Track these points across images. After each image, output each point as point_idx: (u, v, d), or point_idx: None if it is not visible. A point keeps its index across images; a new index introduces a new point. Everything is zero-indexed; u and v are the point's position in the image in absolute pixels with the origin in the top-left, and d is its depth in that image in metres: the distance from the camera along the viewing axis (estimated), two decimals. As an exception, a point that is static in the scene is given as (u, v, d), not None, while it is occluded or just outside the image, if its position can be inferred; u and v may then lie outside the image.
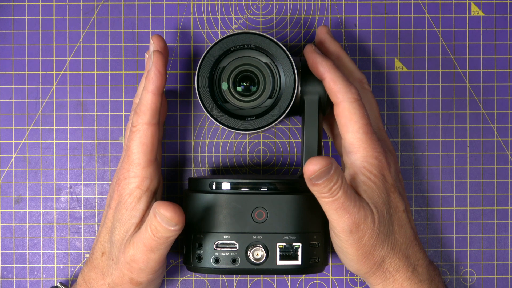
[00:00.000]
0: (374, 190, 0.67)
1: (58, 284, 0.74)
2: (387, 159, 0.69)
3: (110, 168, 0.77)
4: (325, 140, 0.77)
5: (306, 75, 0.70)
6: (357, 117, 0.68)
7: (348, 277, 0.77)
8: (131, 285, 0.68)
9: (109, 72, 0.77)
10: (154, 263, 0.67)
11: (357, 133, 0.68)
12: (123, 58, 0.77)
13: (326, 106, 0.71)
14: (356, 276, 0.77)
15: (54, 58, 0.77)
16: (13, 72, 0.77)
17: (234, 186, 0.68)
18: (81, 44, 0.77)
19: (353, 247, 0.66)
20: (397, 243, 0.68)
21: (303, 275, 0.77)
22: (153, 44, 0.70)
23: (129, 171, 0.68)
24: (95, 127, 0.77)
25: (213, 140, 0.77)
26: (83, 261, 0.77)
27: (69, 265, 0.76)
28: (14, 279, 0.77)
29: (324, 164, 0.63)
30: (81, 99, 0.77)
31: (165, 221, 0.64)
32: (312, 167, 0.63)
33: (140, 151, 0.67)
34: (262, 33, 0.69)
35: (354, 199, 0.65)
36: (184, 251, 0.70)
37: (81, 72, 0.77)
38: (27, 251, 0.77)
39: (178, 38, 0.77)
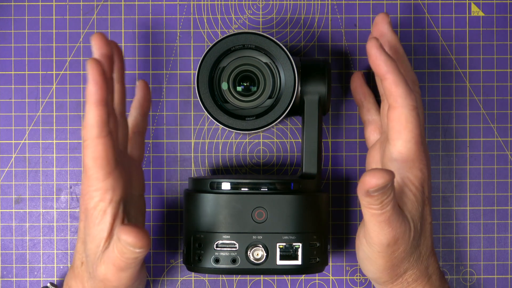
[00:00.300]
0: (413, 203, 0.66)
1: (48, 285, 0.74)
2: (428, 171, 0.67)
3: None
4: (325, 140, 0.77)
5: (306, 75, 0.70)
6: (413, 126, 0.66)
7: (348, 277, 0.77)
8: None
9: (109, 72, 0.77)
10: (127, 280, 0.66)
11: (409, 143, 0.66)
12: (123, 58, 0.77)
13: (326, 106, 0.71)
14: (357, 276, 0.77)
15: (54, 58, 0.77)
16: (13, 72, 0.77)
17: (234, 186, 0.68)
18: (81, 44, 0.77)
19: (384, 259, 0.65)
20: (421, 255, 0.68)
21: (303, 275, 0.77)
22: (94, 47, 0.65)
23: (89, 186, 0.64)
24: (95, 127, 0.77)
25: (213, 140, 0.77)
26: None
27: (69, 265, 0.76)
28: (14, 279, 0.77)
29: (388, 179, 0.60)
30: (81, 99, 0.77)
31: (129, 245, 0.62)
32: (374, 181, 0.60)
33: (95, 166, 0.64)
34: (262, 33, 0.69)
35: (399, 213, 0.64)
36: (184, 251, 0.70)
37: (81, 72, 0.77)
38: (27, 251, 0.77)
39: (178, 38, 0.77)
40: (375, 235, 0.64)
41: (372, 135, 0.73)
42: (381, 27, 0.72)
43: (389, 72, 0.65)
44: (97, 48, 0.65)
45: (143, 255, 0.63)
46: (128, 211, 0.67)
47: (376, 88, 0.72)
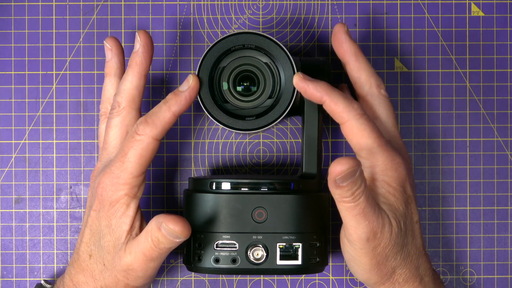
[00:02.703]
0: (393, 203, 0.66)
1: (42, 282, 0.74)
2: (406, 170, 0.68)
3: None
4: (325, 140, 0.77)
5: (306, 75, 0.70)
6: (368, 132, 0.66)
7: (348, 277, 0.77)
8: None
9: (109, 72, 0.77)
10: (153, 271, 0.67)
11: (372, 148, 0.67)
12: (123, 58, 0.77)
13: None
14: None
15: (54, 58, 0.77)
16: (13, 72, 0.77)
17: (234, 186, 0.68)
18: (81, 44, 0.77)
19: (367, 256, 0.66)
20: (409, 254, 0.67)
21: (303, 275, 0.77)
22: (140, 42, 0.69)
23: (120, 178, 0.66)
24: (95, 127, 0.77)
25: (213, 140, 0.77)
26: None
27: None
28: (14, 279, 0.77)
29: (353, 164, 0.61)
30: (81, 99, 0.77)
31: (172, 235, 0.64)
32: (339, 167, 0.61)
33: (137, 162, 0.66)
34: (262, 33, 0.69)
35: (374, 206, 0.64)
36: (184, 251, 0.70)
37: (81, 72, 0.77)
38: (27, 251, 0.77)
39: (178, 38, 0.77)
40: (353, 230, 0.64)
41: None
42: (339, 36, 0.71)
43: (324, 95, 0.67)
44: (144, 43, 0.69)
45: (179, 244, 0.65)
46: None
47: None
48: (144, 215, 0.70)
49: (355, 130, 0.66)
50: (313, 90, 0.67)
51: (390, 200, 0.66)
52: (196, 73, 0.69)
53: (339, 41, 0.71)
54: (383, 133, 0.70)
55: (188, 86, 0.67)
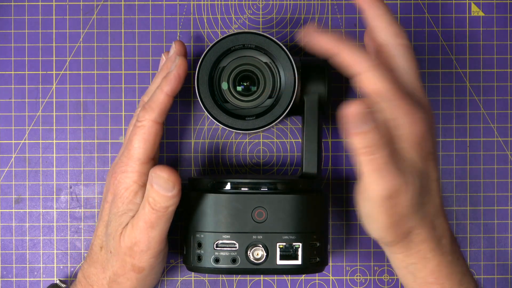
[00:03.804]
0: (410, 159, 0.63)
1: (57, 282, 0.74)
2: (426, 125, 0.63)
3: (110, 168, 0.77)
4: (325, 140, 0.77)
5: (306, 75, 0.70)
6: (384, 83, 0.62)
7: (348, 277, 0.77)
8: (134, 273, 0.68)
9: (109, 72, 0.77)
10: (156, 243, 0.67)
11: (389, 100, 0.62)
12: (123, 58, 0.77)
13: (326, 106, 0.71)
14: (357, 276, 0.77)
15: (54, 58, 0.77)
16: (13, 72, 0.77)
17: (234, 186, 0.68)
18: (81, 44, 0.77)
19: (385, 215, 0.62)
20: (427, 214, 0.64)
21: (303, 275, 0.77)
22: (174, 49, 0.71)
23: (128, 165, 0.68)
24: (95, 127, 0.77)
25: (213, 140, 0.77)
26: (83, 261, 0.77)
27: (69, 265, 0.76)
28: (14, 279, 0.77)
29: (366, 105, 0.58)
30: (81, 99, 0.77)
31: (163, 187, 0.64)
32: (353, 108, 0.58)
33: (142, 147, 0.67)
34: (262, 33, 0.69)
35: (395, 162, 0.61)
36: (184, 251, 0.70)
37: (81, 72, 0.77)
38: (27, 251, 0.77)
39: (178, 38, 0.77)
40: (373, 186, 0.61)
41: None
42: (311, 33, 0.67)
43: (337, 45, 0.63)
44: (179, 50, 0.71)
45: (174, 204, 0.65)
46: None
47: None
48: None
49: (370, 82, 0.62)
50: (326, 40, 0.63)
51: (406, 156, 0.62)
52: (196, 73, 0.69)
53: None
54: (403, 85, 0.65)
55: (175, 64, 0.68)
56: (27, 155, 0.77)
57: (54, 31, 0.77)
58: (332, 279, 0.77)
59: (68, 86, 0.77)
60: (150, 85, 0.73)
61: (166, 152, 0.77)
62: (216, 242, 0.67)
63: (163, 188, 0.64)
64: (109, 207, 0.69)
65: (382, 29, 0.65)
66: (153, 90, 0.70)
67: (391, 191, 0.61)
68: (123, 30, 0.77)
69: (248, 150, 0.77)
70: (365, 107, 0.58)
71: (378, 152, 0.60)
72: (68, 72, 0.77)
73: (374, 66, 0.62)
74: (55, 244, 0.77)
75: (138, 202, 0.67)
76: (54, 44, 0.77)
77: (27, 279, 0.77)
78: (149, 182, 0.65)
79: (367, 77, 0.62)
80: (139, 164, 0.67)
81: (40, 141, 0.77)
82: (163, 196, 0.65)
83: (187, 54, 0.72)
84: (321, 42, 0.63)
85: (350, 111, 0.59)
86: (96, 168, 0.77)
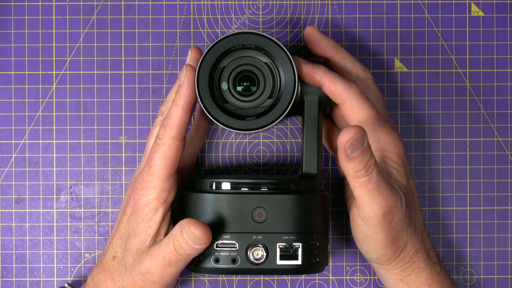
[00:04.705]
0: (397, 177, 0.68)
1: (66, 285, 0.74)
2: (404, 147, 0.69)
3: (110, 168, 0.77)
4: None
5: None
6: (368, 109, 0.68)
7: (348, 277, 0.77)
8: None
9: (109, 72, 0.77)
10: (169, 278, 0.67)
11: (373, 125, 0.68)
12: (123, 58, 0.77)
13: (326, 106, 0.71)
14: (357, 276, 0.77)
15: (54, 58, 0.77)
16: (13, 72, 0.77)
17: (234, 186, 0.68)
18: (81, 44, 0.77)
19: (383, 232, 0.66)
20: (416, 227, 0.69)
21: (303, 275, 0.77)
22: (190, 57, 0.70)
23: (149, 182, 0.67)
24: (95, 127, 0.77)
25: (213, 140, 0.77)
26: (83, 261, 0.77)
27: (69, 265, 0.76)
28: (14, 279, 0.77)
29: (358, 130, 0.61)
30: (81, 99, 0.77)
31: (192, 240, 0.65)
32: (347, 135, 0.61)
33: (162, 164, 0.67)
34: (262, 33, 0.69)
35: (386, 181, 0.65)
36: (184, 251, 0.70)
37: (81, 72, 0.77)
38: (27, 251, 0.77)
39: (178, 38, 0.77)
40: (369, 207, 0.65)
41: (335, 141, 0.74)
42: (313, 36, 0.73)
43: (323, 76, 0.69)
44: (194, 57, 0.69)
45: (198, 253, 0.66)
46: None
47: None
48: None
49: (355, 109, 0.68)
50: (313, 73, 0.69)
51: (394, 174, 0.68)
52: (196, 73, 0.69)
53: (315, 40, 0.73)
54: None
55: (184, 75, 0.67)
56: (27, 155, 0.77)
57: (54, 31, 0.77)
58: (332, 279, 0.77)
59: (68, 86, 0.77)
60: (169, 93, 0.73)
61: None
62: (216, 242, 0.67)
63: (193, 241, 0.65)
64: (127, 220, 0.69)
65: (351, 68, 0.73)
66: (171, 100, 0.70)
67: (387, 208, 0.65)
68: (123, 30, 0.77)
69: (248, 150, 0.77)
70: (356, 133, 0.62)
71: (372, 172, 0.63)
72: (68, 72, 0.77)
73: (358, 95, 0.68)
74: (55, 244, 0.77)
75: (158, 220, 0.67)
76: (54, 44, 0.77)
77: (27, 279, 0.77)
78: (179, 227, 0.65)
79: (351, 104, 0.68)
80: (160, 181, 0.67)
81: (40, 141, 0.77)
82: (190, 246, 0.65)
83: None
84: (310, 73, 0.69)
85: (344, 139, 0.62)
86: (96, 168, 0.77)
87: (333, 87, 0.68)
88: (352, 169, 0.63)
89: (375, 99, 0.72)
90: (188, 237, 0.65)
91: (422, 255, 0.69)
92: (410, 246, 0.68)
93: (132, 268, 0.67)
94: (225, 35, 0.69)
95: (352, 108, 0.68)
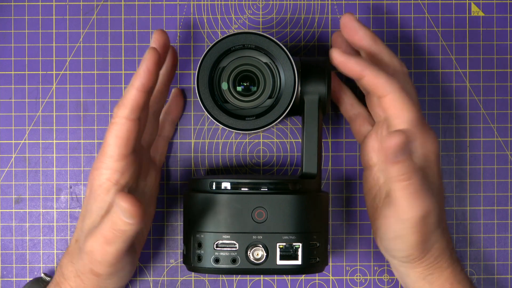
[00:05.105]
0: (432, 176, 0.67)
1: (43, 275, 0.74)
2: (438, 144, 0.68)
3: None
4: (325, 140, 0.77)
5: (306, 75, 0.70)
6: (409, 105, 0.66)
7: (348, 277, 0.77)
8: (92, 276, 0.67)
9: (109, 72, 0.77)
10: (111, 257, 0.66)
11: (413, 121, 0.67)
12: (123, 58, 0.77)
13: (326, 106, 0.71)
14: (357, 276, 0.77)
15: (54, 58, 0.77)
16: (13, 72, 0.77)
17: (234, 186, 0.68)
18: (81, 44, 0.77)
19: (417, 234, 0.66)
20: (444, 229, 0.69)
21: (303, 275, 0.77)
22: (153, 39, 0.69)
23: (102, 162, 0.66)
24: (95, 127, 0.77)
25: (213, 140, 0.77)
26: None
27: (69, 265, 0.76)
28: (14, 279, 0.77)
29: (405, 136, 0.61)
30: (81, 99, 0.77)
31: (123, 213, 0.63)
32: (395, 139, 0.61)
33: (114, 144, 0.65)
34: (262, 33, 0.69)
35: (426, 184, 0.65)
36: (184, 251, 0.70)
37: (81, 72, 0.77)
38: (27, 251, 0.77)
39: (178, 38, 0.77)
40: (408, 209, 0.64)
41: (362, 127, 0.73)
42: (350, 25, 0.71)
43: (364, 69, 0.67)
44: (157, 40, 0.68)
45: (133, 230, 0.64)
46: None
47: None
48: (144, 215, 0.70)
49: (397, 104, 0.66)
50: (353, 64, 0.67)
51: (429, 174, 0.67)
52: (196, 73, 0.69)
53: (352, 29, 0.70)
54: None
55: (144, 58, 0.65)
56: (27, 155, 0.77)
57: (54, 31, 0.77)
58: (332, 279, 0.77)
59: (68, 86, 0.77)
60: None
61: (167, 152, 0.77)
62: (216, 242, 0.67)
63: (123, 215, 0.63)
64: (85, 202, 0.68)
65: (388, 62, 0.70)
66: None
67: (426, 211, 0.65)
68: (123, 30, 0.77)
69: (248, 150, 0.77)
70: (404, 138, 0.61)
71: (414, 177, 0.63)
72: (68, 72, 0.77)
73: (400, 89, 0.66)
74: (55, 244, 0.77)
75: (109, 201, 0.66)
76: (54, 44, 0.77)
77: (27, 279, 0.77)
78: (114, 201, 0.63)
79: (393, 98, 0.66)
80: (112, 161, 0.66)
81: (40, 141, 0.77)
82: (123, 221, 0.63)
83: (168, 45, 0.69)
84: (348, 66, 0.67)
85: (391, 143, 0.61)
86: (96, 168, 0.77)
87: (375, 80, 0.66)
88: (396, 172, 0.63)
89: (411, 94, 0.70)
90: (120, 211, 0.63)
91: (446, 255, 0.69)
92: (436, 247, 0.68)
93: (82, 248, 0.67)
94: (225, 35, 0.69)
95: (394, 102, 0.66)
